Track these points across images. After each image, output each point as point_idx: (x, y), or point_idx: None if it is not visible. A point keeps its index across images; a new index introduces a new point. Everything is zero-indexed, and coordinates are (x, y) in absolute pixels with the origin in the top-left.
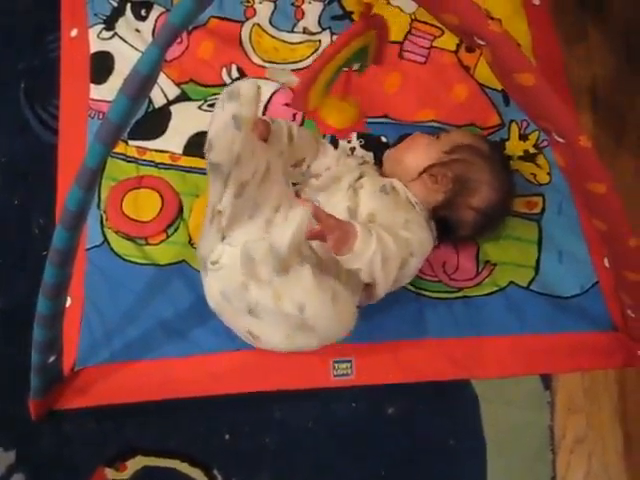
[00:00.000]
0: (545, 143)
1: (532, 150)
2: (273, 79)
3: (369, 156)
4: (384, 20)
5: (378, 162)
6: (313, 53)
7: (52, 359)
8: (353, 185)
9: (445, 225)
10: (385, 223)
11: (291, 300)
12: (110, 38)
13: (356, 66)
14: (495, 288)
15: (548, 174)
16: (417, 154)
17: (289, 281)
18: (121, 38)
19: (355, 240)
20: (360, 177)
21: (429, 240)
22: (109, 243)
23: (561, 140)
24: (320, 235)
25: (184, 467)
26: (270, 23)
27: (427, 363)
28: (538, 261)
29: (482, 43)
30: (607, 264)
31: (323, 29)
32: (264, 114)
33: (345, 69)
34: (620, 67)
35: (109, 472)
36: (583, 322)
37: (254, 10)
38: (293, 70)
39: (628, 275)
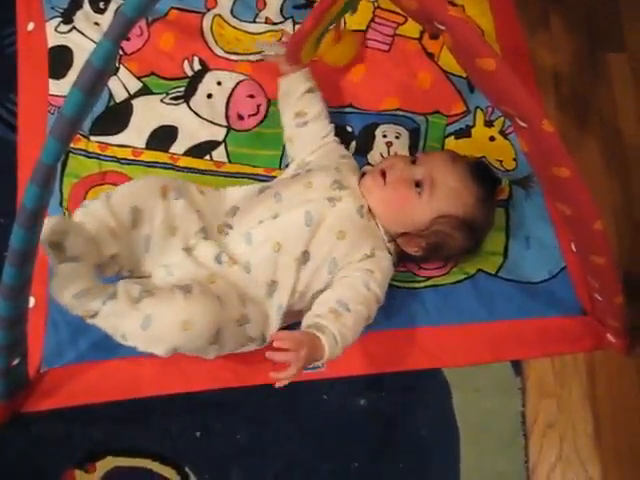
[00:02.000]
0: (510, 129)
1: (498, 136)
2: (262, 49)
3: None
4: None
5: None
6: None
7: (16, 362)
8: (330, 194)
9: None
10: (352, 245)
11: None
12: (68, 32)
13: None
14: (464, 276)
15: (514, 160)
16: (398, 218)
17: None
18: (79, 32)
19: (323, 355)
20: (340, 187)
21: (390, 271)
22: None
23: (524, 125)
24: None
25: (155, 466)
26: (231, 13)
27: (397, 353)
28: (506, 247)
29: (442, 28)
30: (574, 248)
31: (285, 19)
32: (228, 104)
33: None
34: (582, 51)
35: (78, 474)
36: (552, 307)
37: (215, 0)
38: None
39: (594, 259)
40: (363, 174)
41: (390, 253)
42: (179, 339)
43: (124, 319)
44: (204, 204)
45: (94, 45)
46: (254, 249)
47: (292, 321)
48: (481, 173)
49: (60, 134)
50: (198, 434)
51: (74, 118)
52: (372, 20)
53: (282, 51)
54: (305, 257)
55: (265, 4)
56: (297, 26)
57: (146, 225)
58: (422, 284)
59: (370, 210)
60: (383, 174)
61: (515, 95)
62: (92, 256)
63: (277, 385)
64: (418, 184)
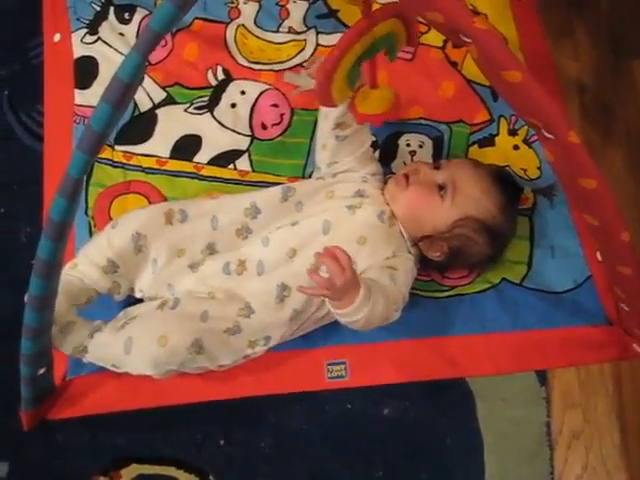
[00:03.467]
0: (534, 138)
1: (522, 145)
2: (292, 83)
3: None
4: (400, 5)
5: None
6: (299, 53)
7: (42, 371)
8: (350, 202)
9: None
10: (373, 250)
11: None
12: (93, 42)
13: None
14: (488, 285)
15: (538, 168)
16: (420, 221)
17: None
18: (105, 42)
19: (351, 304)
20: (362, 195)
21: (413, 272)
22: None
23: (550, 136)
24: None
25: (180, 474)
26: (255, 23)
27: (422, 362)
28: (530, 257)
29: (468, 40)
30: (600, 257)
31: (308, 28)
32: (252, 113)
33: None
34: (607, 60)
35: None
36: (577, 317)
37: (238, 11)
38: (285, 69)
39: (621, 269)
40: (386, 182)
41: (412, 255)
42: (158, 355)
43: (110, 348)
44: (217, 207)
45: (119, 55)
46: (269, 250)
47: (312, 327)
48: (503, 180)
49: (87, 147)
50: (222, 442)
51: (102, 131)
52: None
53: (311, 83)
54: None
55: (288, 14)
56: (319, 35)
57: (152, 250)
58: (446, 293)
59: (393, 215)
60: (406, 178)
61: (541, 107)
62: (82, 300)
63: (304, 290)
64: (441, 188)
